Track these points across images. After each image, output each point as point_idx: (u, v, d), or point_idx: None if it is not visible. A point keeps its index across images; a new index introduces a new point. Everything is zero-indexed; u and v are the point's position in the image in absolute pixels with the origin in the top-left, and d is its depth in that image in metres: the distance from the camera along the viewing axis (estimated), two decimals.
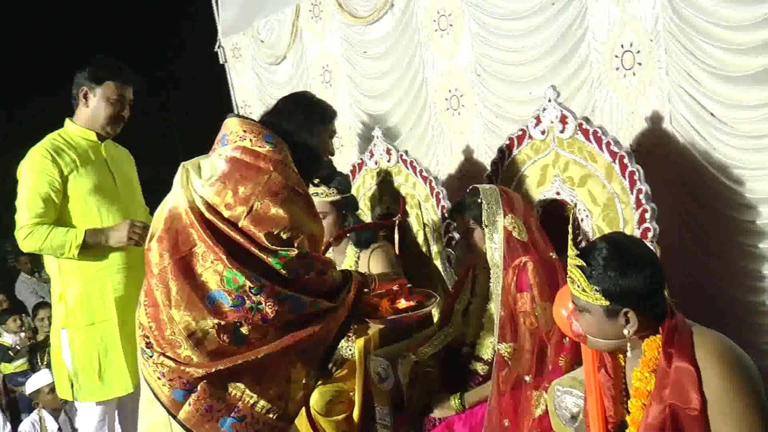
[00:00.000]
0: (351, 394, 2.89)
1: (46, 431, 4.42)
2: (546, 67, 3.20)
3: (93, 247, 2.87)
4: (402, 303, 2.42)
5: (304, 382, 2.17)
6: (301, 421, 2.81)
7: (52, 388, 4.35)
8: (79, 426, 3.17)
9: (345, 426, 2.85)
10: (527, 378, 2.31)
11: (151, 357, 2.08)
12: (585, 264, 1.72)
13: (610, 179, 2.59)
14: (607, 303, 1.69)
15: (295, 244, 2.07)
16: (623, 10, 2.88)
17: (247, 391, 2.08)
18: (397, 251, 3.14)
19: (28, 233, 2.83)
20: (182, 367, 2.03)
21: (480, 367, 2.54)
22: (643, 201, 2.49)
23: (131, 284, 2.95)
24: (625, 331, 1.70)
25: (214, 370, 2.02)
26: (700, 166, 2.72)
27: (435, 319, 3.01)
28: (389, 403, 2.68)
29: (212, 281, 2.02)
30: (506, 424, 2.31)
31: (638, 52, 2.87)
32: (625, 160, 2.53)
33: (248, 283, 1.99)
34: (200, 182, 2.12)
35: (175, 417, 2.07)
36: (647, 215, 2.48)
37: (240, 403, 2.07)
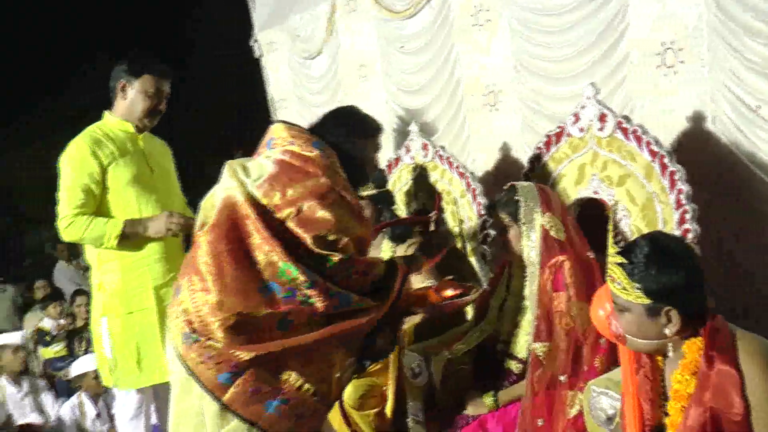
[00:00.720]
0: (384, 388, 2.90)
1: (86, 416, 4.48)
2: (585, 64, 3.17)
3: (132, 237, 2.91)
4: (449, 292, 2.44)
5: (345, 366, 2.20)
6: (334, 415, 2.83)
7: (96, 374, 4.42)
8: (117, 412, 3.22)
9: (377, 420, 2.86)
10: (562, 378, 2.29)
11: (197, 341, 2.09)
12: (626, 261, 1.69)
13: (650, 179, 2.56)
14: (649, 301, 1.66)
15: (339, 247, 2.10)
16: (664, 7, 2.84)
17: (294, 375, 2.10)
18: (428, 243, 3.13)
19: (69, 223, 2.88)
20: (231, 351, 2.05)
21: (515, 366, 2.52)
22: (684, 201, 2.45)
23: (170, 273, 2.98)
24: (667, 331, 1.68)
25: (263, 353, 2.05)
26: (743, 166, 2.67)
27: (469, 316, 3.00)
28: (422, 399, 2.67)
29: (266, 272, 2.06)
30: (540, 423, 2.29)
31: (680, 49, 2.83)
32: (666, 160, 2.50)
33: (301, 278, 2.03)
34: (249, 181, 2.15)
35: (219, 400, 2.08)
36: (687, 216, 2.45)
37: (286, 385, 2.10)
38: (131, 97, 3.02)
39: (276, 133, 2.24)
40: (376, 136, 2.43)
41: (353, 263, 2.12)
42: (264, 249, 2.06)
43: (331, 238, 2.09)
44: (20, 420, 4.46)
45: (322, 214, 2.08)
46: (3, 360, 4.65)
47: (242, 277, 2.05)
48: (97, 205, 2.93)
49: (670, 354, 1.73)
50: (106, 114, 3.08)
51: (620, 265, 1.71)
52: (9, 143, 14.75)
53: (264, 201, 2.11)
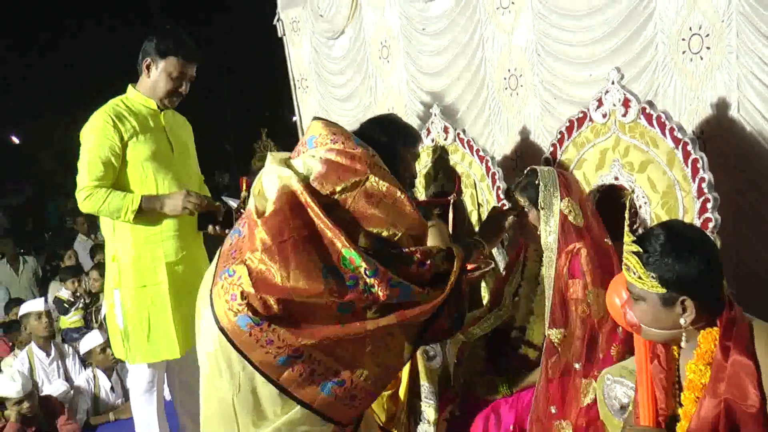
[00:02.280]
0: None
1: (100, 389, 4.57)
2: (609, 49, 3.12)
3: (148, 212, 2.93)
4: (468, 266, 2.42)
5: (401, 352, 2.18)
6: None
7: (103, 348, 4.50)
8: (129, 386, 3.26)
9: (390, 402, 2.86)
10: (577, 366, 2.28)
11: (257, 324, 2.05)
12: (641, 250, 1.67)
13: (672, 166, 2.52)
14: (664, 290, 1.64)
15: (395, 241, 2.08)
16: None
17: (352, 361, 2.09)
18: (450, 230, 3.11)
19: (88, 195, 2.90)
20: (294, 336, 2.03)
21: (530, 353, 2.52)
22: (706, 190, 2.41)
23: (183, 251, 3.01)
24: (682, 321, 1.66)
25: (324, 337, 2.04)
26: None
27: (485, 300, 2.99)
28: (436, 382, 2.67)
29: (330, 259, 2.03)
30: (553, 411, 2.29)
31: (707, 35, 2.77)
32: (689, 147, 2.45)
33: (364, 265, 2.00)
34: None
35: (273, 381, 2.08)
36: (709, 205, 2.41)
37: (344, 369, 2.09)
38: (155, 77, 3.02)
39: (315, 130, 2.21)
40: (416, 145, 2.46)
41: (411, 254, 2.09)
42: (327, 235, 2.03)
43: (386, 234, 2.07)
44: (47, 386, 4.57)
45: (373, 211, 2.07)
46: (29, 327, 4.79)
47: (306, 263, 2.02)
48: (115, 178, 2.95)
49: (684, 344, 1.71)
50: (130, 87, 3.08)
51: (635, 253, 1.69)
52: (30, 114, 14.90)
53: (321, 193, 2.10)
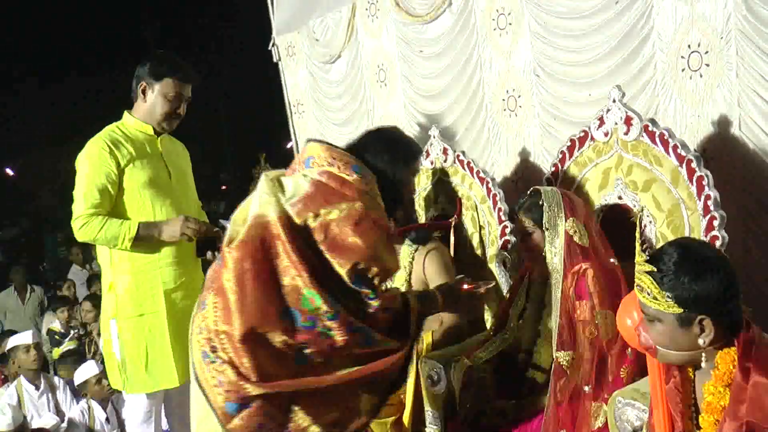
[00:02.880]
0: (402, 396, 2.83)
1: (95, 420, 4.48)
2: (608, 68, 3.11)
3: (146, 239, 2.88)
4: (464, 287, 2.36)
5: (365, 411, 2.10)
6: None
7: (98, 379, 4.42)
8: (126, 417, 3.19)
9: (394, 429, 2.80)
10: (586, 388, 2.23)
11: (213, 363, 2.02)
12: (655, 270, 1.63)
13: (676, 184, 2.49)
14: (681, 310, 1.59)
15: (369, 276, 2.01)
16: (692, 9, 2.78)
17: (302, 414, 2.00)
18: (452, 253, 3.08)
19: (84, 223, 2.86)
20: (241, 383, 1.97)
21: (538, 376, 2.47)
22: (712, 208, 2.38)
23: (181, 278, 2.96)
24: (701, 341, 1.60)
25: (274, 391, 1.97)
26: None
27: (488, 324, 2.95)
28: (440, 408, 2.62)
29: (290, 297, 1.97)
30: None
31: (706, 52, 2.76)
32: (693, 165, 2.43)
33: (324, 307, 1.94)
34: (284, 199, 2.08)
35: (224, 426, 2.02)
36: (716, 223, 2.38)
37: (292, 424, 2.00)
38: (151, 100, 2.99)
39: (314, 151, 2.16)
40: (417, 159, 2.41)
41: (383, 300, 2.03)
42: (291, 273, 1.97)
43: (362, 266, 1.99)
44: (36, 419, 4.45)
45: (354, 240, 1.99)
46: (17, 360, 4.68)
47: (263, 299, 1.97)
48: (112, 205, 2.91)
49: (704, 365, 1.66)
50: (126, 114, 3.06)
51: (649, 273, 1.64)
52: (27, 148, 14.93)
53: (297, 221, 2.03)
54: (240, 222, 2.11)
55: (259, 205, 2.09)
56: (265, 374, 1.97)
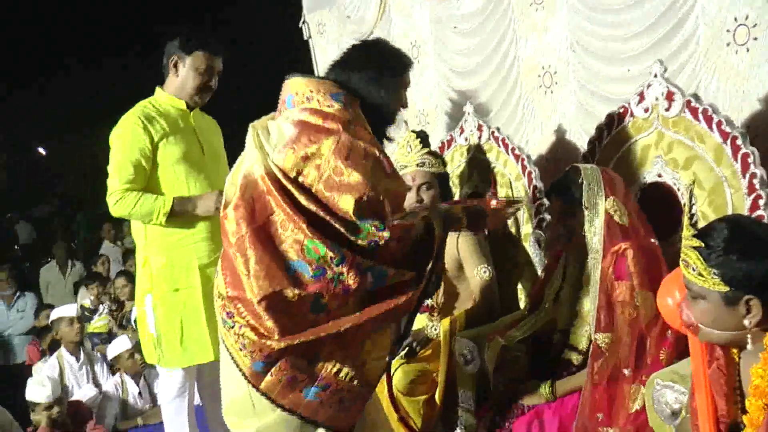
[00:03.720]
0: (435, 374, 2.82)
1: (128, 394, 4.56)
2: (647, 43, 3.02)
3: (180, 215, 2.89)
4: (492, 203, 2.32)
5: (387, 346, 2.11)
6: (382, 400, 2.77)
7: (131, 354, 4.49)
8: (159, 391, 3.23)
9: (427, 407, 2.79)
10: (626, 371, 2.18)
11: (232, 327, 2.03)
12: (703, 245, 1.57)
13: (720, 162, 2.42)
14: (727, 289, 1.53)
15: (374, 210, 1.95)
16: None
17: (329, 360, 2.01)
18: (485, 231, 3.03)
19: (119, 198, 2.87)
20: (263, 341, 1.97)
21: (575, 357, 2.42)
22: (757, 186, 2.31)
23: (215, 253, 2.95)
24: (746, 322, 1.54)
25: (296, 342, 1.96)
26: None
27: (522, 303, 2.91)
28: (473, 387, 2.59)
29: (292, 251, 1.94)
30: (600, 417, 2.19)
31: (754, 25, 2.66)
32: (738, 142, 2.35)
33: (330, 254, 1.91)
34: (270, 149, 2.03)
35: (256, 388, 2.03)
36: (761, 202, 2.30)
37: (323, 371, 2.01)
38: (183, 74, 2.99)
39: (294, 87, 2.09)
40: (406, 71, 2.26)
41: (393, 229, 1.96)
42: (289, 227, 1.94)
43: (364, 199, 1.93)
44: (76, 390, 4.60)
45: (349, 174, 1.93)
46: (60, 332, 4.82)
47: (267, 260, 1.95)
48: (146, 181, 2.92)
49: (749, 347, 1.60)
50: (158, 90, 3.06)
51: (696, 248, 1.58)
52: (57, 131, 15.12)
53: (287, 166, 1.98)
54: (234, 182, 2.08)
55: (246, 162, 2.06)
56: (285, 329, 1.96)
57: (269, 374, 2.01)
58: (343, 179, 1.94)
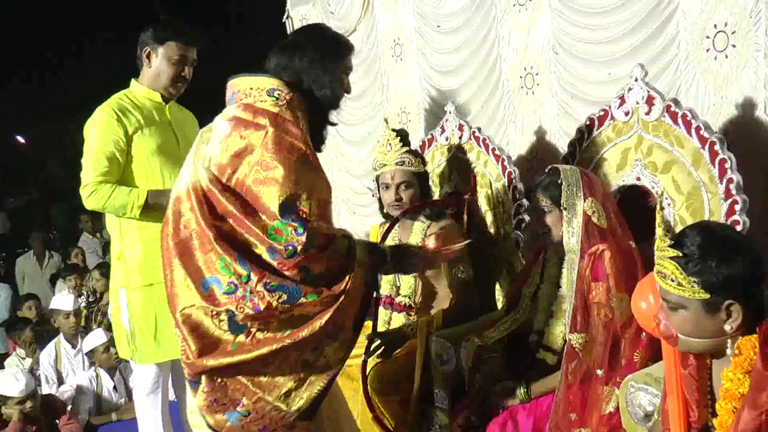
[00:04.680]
0: (410, 374, 2.80)
1: (102, 388, 4.51)
2: (629, 47, 3.03)
3: (155, 208, 2.85)
4: (430, 244, 2.31)
5: (318, 376, 2.01)
6: (356, 400, 2.77)
7: (106, 348, 4.45)
8: (134, 386, 3.19)
9: (402, 407, 2.77)
10: (599, 372, 2.19)
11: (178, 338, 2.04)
12: (680, 255, 1.57)
13: (698, 167, 2.43)
14: (708, 296, 1.54)
15: (298, 209, 1.91)
16: None
17: (250, 387, 1.97)
18: (464, 231, 3.03)
19: (92, 191, 2.84)
20: (188, 360, 1.96)
21: (549, 357, 2.43)
22: (734, 191, 2.32)
23: None
24: (727, 327, 1.55)
25: (210, 366, 1.93)
26: None
27: (499, 303, 2.91)
28: (448, 387, 2.59)
29: (208, 266, 1.93)
30: (573, 418, 2.20)
31: (733, 32, 2.68)
32: (716, 147, 2.37)
33: (237, 269, 1.89)
34: (206, 150, 2.04)
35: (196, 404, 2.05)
36: (737, 207, 2.31)
37: (244, 398, 1.97)
38: (156, 65, 2.96)
39: (238, 85, 2.10)
40: (347, 56, 2.24)
41: (314, 235, 1.91)
42: (204, 241, 1.93)
43: (288, 195, 1.89)
44: (71, 376, 4.66)
45: (274, 167, 1.90)
46: (58, 323, 4.90)
47: (183, 273, 1.95)
48: (120, 173, 2.88)
49: (729, 352, 1.59)
50: (133, 81, 3.02)
51: (673, 259, 1.58)
52: (35, 120, 14.95)
53: (217, 162, 1.98)
54: (169, 199, 2.11)
55: (181, 175, 2.09)
56: (203, 349, 1.94)
57: (199, 392, 2.00)
58: (269, 174, 1.92)
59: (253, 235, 1.92)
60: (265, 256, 1.90)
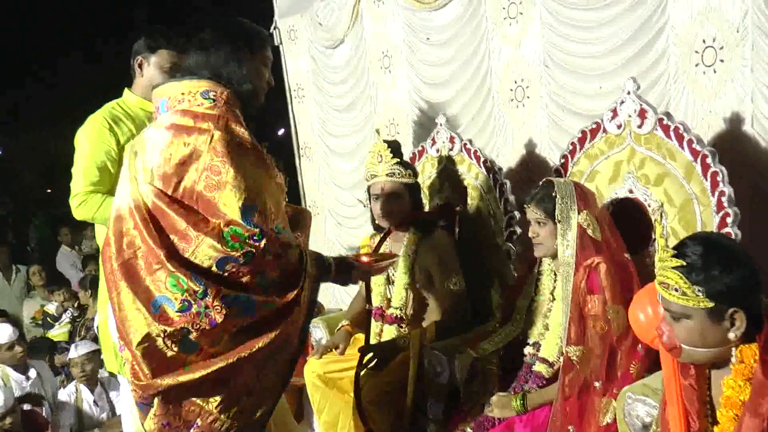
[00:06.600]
0: (403, 387, 2.79)
1: (82, 402, 4.41)
2: (619, 61, 3.06)
3: None
4: (364, 259, 2.32)
5: (269, 390, 2.01)
6: (349, 412, 2.75)
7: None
8: (121, 400, 3.13)
9: (396, 418, 2.76)
10: (597, 384, 2.20)
11: (125, 364, 2.00)
12: (684, 264, 1.58)
13: (690, 179, 2.46)
14: (712, 304, 1.55)
15: (258, 206, 1.89)
16: (707, 3, 2.74)
17: (205, 407, 1.94)
18: (455, 241, 3.03)
19: (82, 201, 2.80)
20: (138, 381, 1.92)
21: (544, 369, 2.43)
22: (726, 204, 2.35)
23: None
24: (731, 335, 1.56)
25: (166, 386, 1.90)
26: None
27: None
28: (443, 399, 2.58)
29: (157, 285, 1.89)
30: (571, 430, 2.20)
31: (721, 48, 2.72)
32: (708, 160, 2.40)
33: (192, 286, 1.85)
34: (142, 161, 2.00)
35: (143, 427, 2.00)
36: (729, 219, 2.34)
37: (198, 419, 1.94)
38: (149, 74, 2.94)
39: (167, 92, 2.05)
40: (264, 47, 2.19)
41: (269, 241, 1.89)
42: (153, 260, 1.89)
43: (245, 198, 1.87)
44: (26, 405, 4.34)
45: (226, 170, 1.88)
46: (1, 358, 4.45)
47: (131, 295, 1.91)
48: (111, 184, 2.84)
49: (733, 359, 1.60)
50: (126, 91, 3.00)
51: (676, 268, 1.59)
52: (13, 131, 14.78)
53: (159, 173, 1.95)
54: (110, 218, 2.07)
55: (119, 194, 2.05)
56: (155, 370, 1.90)
57: (149, 416, 1.95)
58: (221, 178, 1.89)
59: (201, 251, 1.87)
60: (215, 269, 1.87)
